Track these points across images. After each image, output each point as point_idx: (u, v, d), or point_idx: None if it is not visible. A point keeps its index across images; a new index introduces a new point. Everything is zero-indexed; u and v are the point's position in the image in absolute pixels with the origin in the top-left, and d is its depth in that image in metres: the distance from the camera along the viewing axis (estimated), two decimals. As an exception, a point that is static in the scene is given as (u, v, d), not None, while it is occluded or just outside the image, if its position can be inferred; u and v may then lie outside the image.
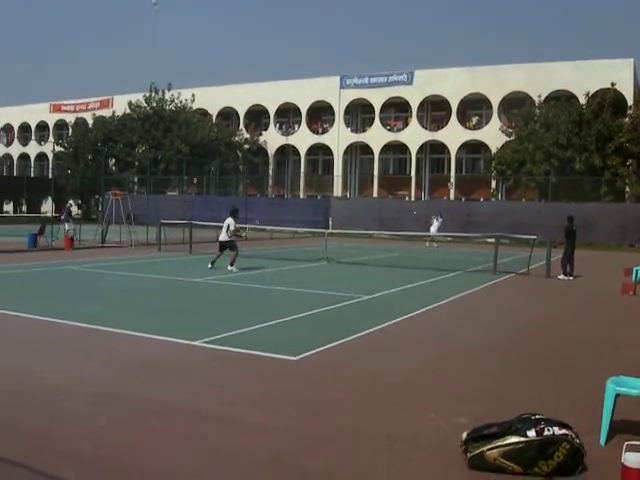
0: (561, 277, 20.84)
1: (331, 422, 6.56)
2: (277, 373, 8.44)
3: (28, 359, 8.87)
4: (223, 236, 20.71)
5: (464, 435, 5.67)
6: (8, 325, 11.19)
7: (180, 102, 60.77)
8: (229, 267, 20.18)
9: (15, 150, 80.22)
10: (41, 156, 75.96)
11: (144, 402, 7.02)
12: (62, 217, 30.76)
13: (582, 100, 46.25)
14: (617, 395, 6.20)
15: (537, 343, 10.97)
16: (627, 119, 44.83)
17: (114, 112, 63.16)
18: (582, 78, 47.74)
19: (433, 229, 37.22)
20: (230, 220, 20.69)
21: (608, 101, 44.28)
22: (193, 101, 61.08)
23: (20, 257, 23.23)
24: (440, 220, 37.71)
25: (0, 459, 5.25)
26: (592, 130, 43.28)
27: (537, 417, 5.59)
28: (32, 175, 73.43)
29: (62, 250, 26.23)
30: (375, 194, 58.09)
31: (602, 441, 6.05)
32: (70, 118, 69.37)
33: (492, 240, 26.66)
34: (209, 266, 20.38)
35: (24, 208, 57.45)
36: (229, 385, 7.86)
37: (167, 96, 60.79)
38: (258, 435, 6.14)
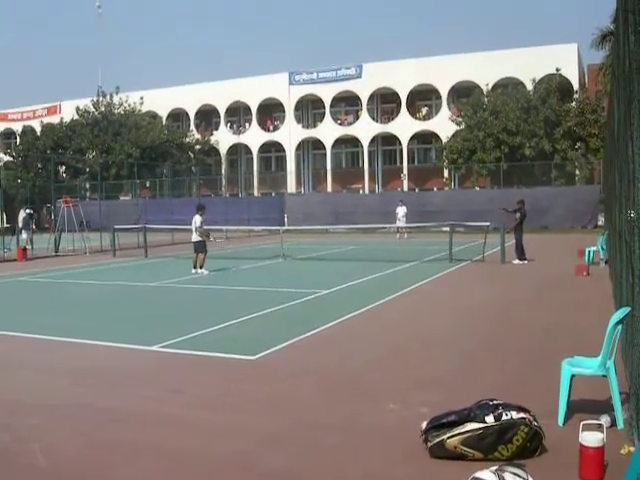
0: (516, 262, 21.08)
1: (291, 419, 6.52)
2: (236, 374, 8.37)
3: (-20, 374, 8.68)
4: (194, 236, 20.08)
5: (424, 424, 5.67)
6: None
7: (129, 105, 60.09)
8: (199, 270, 19.66)
9: (-39, 161, 78.33)
10: (-11, 167, 74.36)
11: (102, 410, 6.91)
12: (20, 226, 30.26)
13: (529, 86, 46.86)
14: (573, 375, 6.27)
15: (494, 328, 11.06)
16: (574, 103, 45.56)
17: (62, 118, 62.19)
18: (528, 65, 48.10)
19: (400, 216, 37.36)
20: (197, 217, 20.10)
21: (554, 86, 44.94)
22: (142, 103, 60.43)
23: (-30, 271, 22.71)
24: (403, 207, 37.88)
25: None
26: (540, 116, 43.89)
27: (495, 402, 5.62)
28: (-20, 186, 71.66)
29: (14, 262, 25.74)
30: (329, 189, 58.23)
31: (560, 422, 6.11)
32: (17, 127, 68.15)
33: (447, 229, 26.81)
34: (193, 272, 19.73)
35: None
36: (187, 388, 7.77)
37: (115, 100, 60.04)
38: (218, 437, 6.08)
